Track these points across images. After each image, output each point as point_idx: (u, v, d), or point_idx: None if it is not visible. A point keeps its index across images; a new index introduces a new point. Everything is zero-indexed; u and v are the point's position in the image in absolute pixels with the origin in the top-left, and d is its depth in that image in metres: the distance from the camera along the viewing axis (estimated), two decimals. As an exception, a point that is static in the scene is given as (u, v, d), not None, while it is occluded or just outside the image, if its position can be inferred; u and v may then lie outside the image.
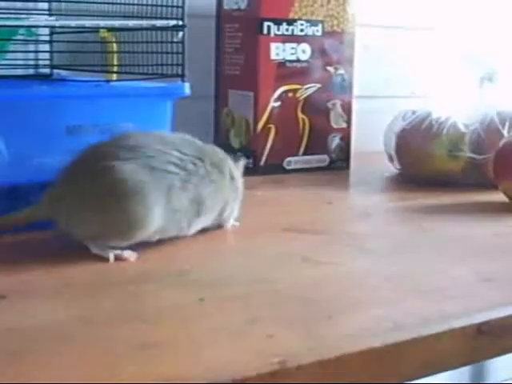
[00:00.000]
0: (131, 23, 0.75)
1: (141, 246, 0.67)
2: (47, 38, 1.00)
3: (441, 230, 0.77)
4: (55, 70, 1.00)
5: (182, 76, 0.75)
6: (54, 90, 0.75)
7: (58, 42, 0.99)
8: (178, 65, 0.75)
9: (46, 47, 1.01)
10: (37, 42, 1.01)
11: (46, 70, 1.02)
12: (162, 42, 0.76)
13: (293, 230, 0.76)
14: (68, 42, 0.94)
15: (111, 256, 0.63)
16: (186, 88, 0.75)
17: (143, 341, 0.47)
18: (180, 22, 0.75)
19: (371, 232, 0.76)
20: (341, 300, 0.55)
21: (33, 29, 0.90)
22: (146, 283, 0.58)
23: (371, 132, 1.17)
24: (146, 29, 0.76)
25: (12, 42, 0.98)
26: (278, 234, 0.74)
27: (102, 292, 0.56)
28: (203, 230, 0.73)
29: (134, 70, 0.81)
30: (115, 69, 0.88)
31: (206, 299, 0.54)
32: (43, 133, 0.71)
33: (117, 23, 0.75)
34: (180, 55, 0.75)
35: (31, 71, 1.02)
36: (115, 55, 0.89)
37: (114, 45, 0.89)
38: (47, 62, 1.01)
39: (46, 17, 0.97)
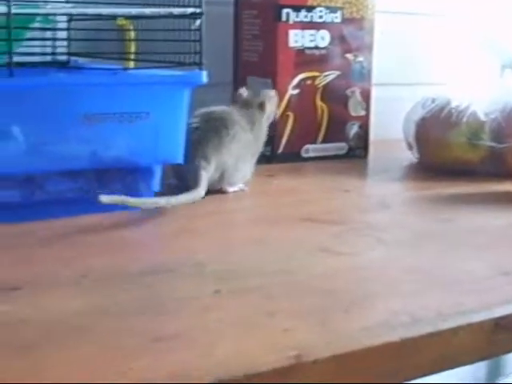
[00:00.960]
0: (148, 11, 0.74)
1: (155, 237, 0.67)
2: (65, 26, 1.00)
3: (459, 220, 0.77)
4: (72, 58, 1.00)
5: (200, 64, 0.75)
6: (70, 78, 0.74)
7: (75, 29, 0.98)
8: (195, 53, 0.75)
9: (64, 34, 1.00)
10: (54, 29, 1.01)
11: (64, 58, 1.01)
12: (179, 30, 0.76)
13: (310, 219, 0.75)
14: (85, 29, 0.94)
15: (243, 186, 0.87)
16: (204, 76, 0.75)
17: (158, 333, 0.47)
18: (198, 10, 0.75)
19: (388, 222, 0.76)
20: (358, 292, 0.55)
21: (50, 16, 0.89)
22: (161, 274, 0.58)
23: (390, 120, 1.16)
24: (164, 16, 0.76)
25: (29, 29, 0.97)
26: (294, 223, 0.74)
27: (119, 284, 0.56)
28: (219, 219, 0.73)
29: (151, 58, 0.81)
30: (132, 57, 0.88)
31: (223, 291, 0.54)
32: (60, 121, 0.71)
33: (134, 11, 0.74)
34: (197, 43, 0.74)
35: (48, 58, 1.02)
36: (133, 43, 0.89)
37: (132, 32, 0.89)
38: (65, 50, 1.01)
39: (64, 4, 0.96)
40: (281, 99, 1.05)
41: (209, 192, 0.81)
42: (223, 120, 0.86)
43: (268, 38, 1.05)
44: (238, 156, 0.85)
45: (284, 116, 1.06)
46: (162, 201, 0.73)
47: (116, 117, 0.73)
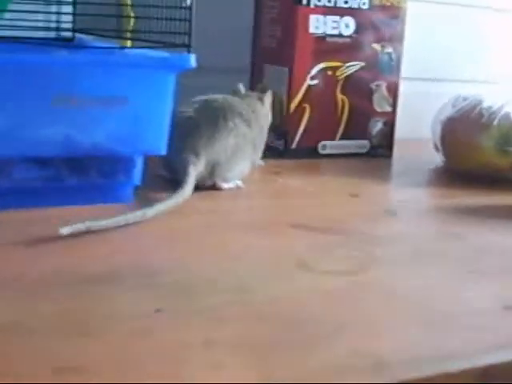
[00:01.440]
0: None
1: (121, 238, 0.60)
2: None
3: (476, 237, 0.68)
4: (78, 34, 0.94)
5: (188, 46, 0.67)
6: (38, 57, 0.66)
7: (81, 3, 0.92)
8: (184, 33, 0.67)
9: (69, 9, 0.94)
10: (59, 3, 0.95)
11: (69, 34, 0.95)
12: (170, 8, 0.68)
13: (302, 226, 0.67)
14: (86, 3, 0.88)
15: (240, 183, 0.79)
16: (192, 60, 0.67)
17: (65, 361, 0.39)
18: (190, -14, 0.67)
19: (392, 235, 0.67)
20: (326, 323, 0.46)
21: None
22: (106, 284, 0.50)
23: (420, 118, 1.07)
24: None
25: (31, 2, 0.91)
26: (283, 230, 0.66)
27: (52, 292, 0.48)
28: (202, 220, 0.66)
29: (142, 37, 0.73)
30: (128, 35, 0.81)
31: (166, 310, 0.46)
32: (29, 103, 0.64)
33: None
34: (187, 23, 0.67)
35: (53, 34, 0.96)
36: (130, 20, 0.82)
37: (129, 8, 0.82)
38: (70, 26, 0.94)
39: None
40: (297, 90, 0.97)
41: (199, 188, 0.74)
42: (223, 110, 0.78)
43: (287, 23, 0.96)
44: (234, 150, 0.77)
45: (300, 108, 0.97)
46: (136, 215, 0.64)
47: (91, 100, 0.65)
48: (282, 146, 0.98)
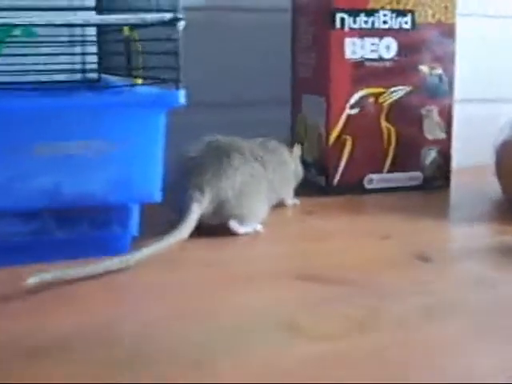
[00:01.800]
0: (113, 18, 0.61)
1: (99, 295, 0.54)
2: (94, 39, 0.90)
3: (508, 286, 0.58)
4: (103, 75, 0.90)
5: (177, 81, 0.61)
6: (20, 104, 0.61)
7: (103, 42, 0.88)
8: (173, 68, 0.61)
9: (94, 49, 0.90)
10: (83, 43, 0.91)
11: (94, 75, 0.91)
12: (157, 40, 0.62)
13: (310, 277, 0.59)
14: (107, 42, 0.84)
15: (258, 227, 0.72)
16: (181, 96, 0.60)
17: None
18: (178, 15, 0.61)
19: (413, 286, 0.58)
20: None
21: (34, 29, 0.78)
22: (49, 357, 0.44)
23: (481, 143, 0.96)
24: (136, 25, 0.63)
25: (54, 43, 0.88)
26: (286, 283, 0.58)
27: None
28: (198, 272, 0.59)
29: (150, 74, 0.68)
30: (135, 71, 0.75)
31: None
32: (8, 151, 0.59)
33: (94, 19, 0.61)
34: (175, 57, 0.60)
35: (78, 76, 0.92)
36: (139, 56, 0.77)
37: (138, 44, 0.77)
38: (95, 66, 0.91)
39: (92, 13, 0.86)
40: (336, 120, 0.89)
41: (204, 227, 0.67)
42: (227, 149, 0.72)
43: (321, 49, 0.89)
44: (244, 188, 0.70)
45: (340, 140, 0.89)
46: (122, 259, 0.59)
47: (75, 146, 0.60)
48: (323, 182, 0.90)
